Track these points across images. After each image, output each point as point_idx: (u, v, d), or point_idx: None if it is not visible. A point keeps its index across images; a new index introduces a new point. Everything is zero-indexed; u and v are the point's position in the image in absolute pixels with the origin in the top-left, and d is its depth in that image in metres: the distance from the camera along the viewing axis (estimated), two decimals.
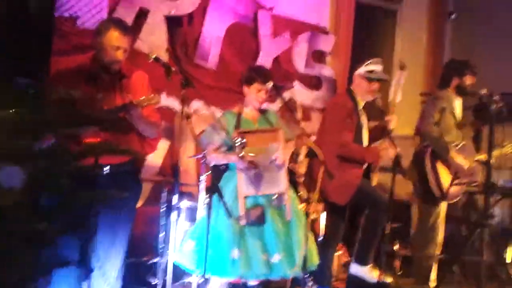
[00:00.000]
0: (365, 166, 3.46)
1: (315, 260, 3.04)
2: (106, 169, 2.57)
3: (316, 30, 5.17)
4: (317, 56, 5.21)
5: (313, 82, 5.15)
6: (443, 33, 6.38)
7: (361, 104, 3.52)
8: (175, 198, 2.92)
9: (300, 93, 4.98)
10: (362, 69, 3.48)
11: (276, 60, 4.87)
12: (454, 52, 6.13)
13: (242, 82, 3.11)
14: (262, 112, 3.19)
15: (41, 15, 2.80)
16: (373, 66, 3.46)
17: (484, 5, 5.95)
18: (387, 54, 6.02)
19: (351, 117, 3.39)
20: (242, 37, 4.61)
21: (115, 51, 2.58)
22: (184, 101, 2.69)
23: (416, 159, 3.84)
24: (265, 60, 4.71)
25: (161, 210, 3.70)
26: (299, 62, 5.02)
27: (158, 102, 2.55)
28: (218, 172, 3.30)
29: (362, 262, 3.39)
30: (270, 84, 3.03)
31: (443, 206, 3.86)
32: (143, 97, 2.51)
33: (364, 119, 3.53)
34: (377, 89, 3.48)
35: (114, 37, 2.57)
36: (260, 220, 2.92)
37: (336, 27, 5.36)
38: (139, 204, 4.11)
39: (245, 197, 2.95)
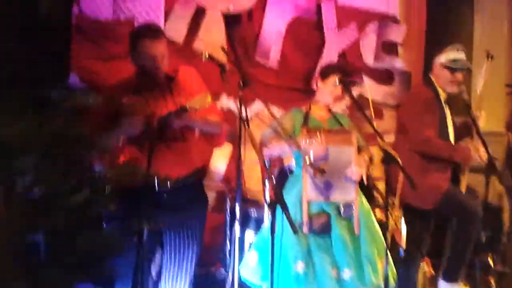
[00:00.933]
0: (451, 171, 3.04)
1: (392, 280, 2.69)
2: (166, 183, 2.38)
3: (385, 19, 4.77)
4: (388, 48, 4.80)
5: (384, 77, 4.75)
6: None
7: (443, 96, 3.11)
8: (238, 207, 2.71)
9: (370, 89, 4.59)
10: (443, 57, 3.07)
11: (342, 54, 4.54)
12: None
13: (315, 78, 2.85)
14: (333, 113, 2.90)
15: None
16: (456, 53, 3.05)
17: None
18: (465, 44, 5.49)
19: (433, 110, 3.00)
20: (305, 31, 4.32)
21: (152, 61, 2.39)
22: (242, 103, 2.43)
23: (509, 156, 3.37)
24: (330, 55, 4.39)
25: (226, 220, 3.50)
26: (368, 55, 4.65)
27: (209, 102, 2.31)
28: (283, 179, 3.05)
29: (451, 279, 2.98)
30: (348, 80, 2.74)
31: None
32: (194, 100, 2.28)
33: (448, 114, 3.12)
34: (461, 80, 3.06)
35: (146, 47, 2.38)
36: (325, 230, 2.63)
37: (407, 15, 4.93)
38: None
39: (309, 202, 2.67)
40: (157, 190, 2.35)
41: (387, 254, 2.52)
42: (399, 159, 2.46)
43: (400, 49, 4.91)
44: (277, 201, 2.12)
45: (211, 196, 3.99)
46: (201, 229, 2.53)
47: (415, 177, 2.89)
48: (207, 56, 2.36)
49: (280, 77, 4.13)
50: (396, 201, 2.73)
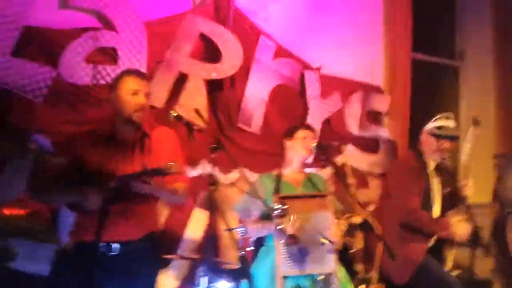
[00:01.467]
0: (431, 241, 2.89)
1: None
2: (115, 248, 2.22)
3: (369, 90, 4.82)
4: (373, 117, 4.81)
5: (369, 145, 4.71)
6: None
7: (430, 165, 3.03)
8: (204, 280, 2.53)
9: (355, 158, 4.55)
10: (430, 125, 3.05)
11: (326, 122, 4.53)
12: None
13: (282, 140, 2.77)
14: (307, 175, 2.79)
15: None
16: (443, 121, 3.02)
17: None
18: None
19: (418, 179, 2.91)
20: (288, 99, 4.33)
21: (136, 96, 2.33)
22: (214, 165, 2.33)
23: (496, 229, 3.23)
24: (314, 122, 4.35)
25: None
26: (353, 124, 4.63)
27: (177, 170, 2.21)
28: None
29: None
30: (313, 135, 2.67)
31: None
32: (157, 168, 2.17)
33: (435, 183, 3.02)
34: (447, 148, 3.00)
35: (131, 82, 2.36)
36: None
37: (392, 86, 4.98)
38: (176, 285, 3.75)
39: (284, 277, 2.48)
40: (105, 254, 2.19)
41: None
42: (376, 229, 2.32)
43: (385, 119, 4.91)
44: (242, 274, 1.95)
45: (186, 265, 3.80)
46: None
47: (394, 246, 2.76)
48: (174, 115, 2.28)
49: (263, 143, 4.06)
50: (375, 274, 2.55)
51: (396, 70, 5.02)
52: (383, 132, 4.79)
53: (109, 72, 3.58)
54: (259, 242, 3.10)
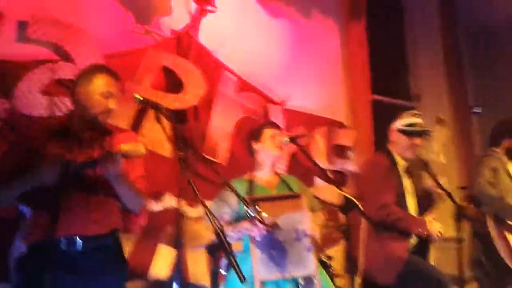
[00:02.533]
0: (412, 239, 2.77)
1: None
2: (77, 243, 2.00)
3: (333, 125, 4.85)
4: (338, 151, 4.81)
5: (336, 179, 4.65)
6: (469, 127, 6.00)
7: (401, 164, 2.96)
8: None
9: (323, 190, 4.46)
10: (398, 123, 2.99)
11: (293, 156, 4.47)
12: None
13: (248, 144, 2.66)
14: (281, 177, 2.68)
15: None
16: (412, 118, 2.98)
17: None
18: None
19: (390, 177, 2.83)
20: None
21: (107, 99, 2.16)
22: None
23: (476, 230, 3.13)
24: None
25: None
26: (320, 157, 4.59)
27: (142, 152, 2.06)
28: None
29: None
30: (280, 133, 2.58)
31: None
32: (125, 146, 2.03)
33: (408, 183, 2.94)
34: (419, 144, 2.95)
35: (102, 83, 2.17)
36: None
37: (355, 122, 5.06)
38: None
39: (263, 282, 2.28)
40: (65, 251, 1.97)
41: None
42: (359, 204, 2.19)
43: (350, 153, 4.90)
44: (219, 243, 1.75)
45: None
46: None
47: (373, 248, 2.64)
48: (140, 98, 2.16)
49: (230, 174, 3.92)
50: (359, 278, 2.36)
51: (357, 108, 5.13)
52: (350, 165, 4.76)
53: (66, 104, 3.47)
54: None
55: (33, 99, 3.37)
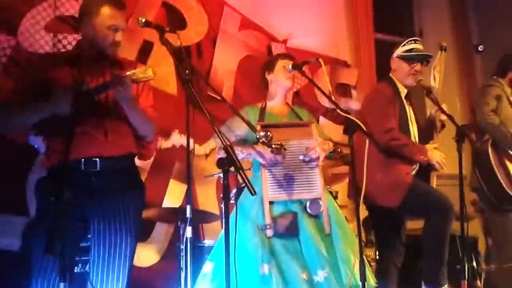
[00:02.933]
0: (416, 166, 2.84)
1: (371, 283, 2.35)
2: (95, 163, 2.07)
3: (337, 63, 4.84)
4: (342, 90, 4.82)
5: (340, 117, 4.67)
6: (473, 64, 5.98)
7: (403, 92, 2.99)
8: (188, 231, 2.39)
9: (327, 129, 4.50)
10: (399, 50, 2.99)
11: (297, 94, 4.50)
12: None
13: (262, 74, 2.69)
14: (291, 107, 2.73)
15: None
16: (413, 44, 2.97)
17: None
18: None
19: (393, 104, 2.86)
20: (257, 70, 4.24)
21: (113, 32, 2.15)
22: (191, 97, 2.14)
23: (478, 159, 3.21)
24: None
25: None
26: (322, 96, 4.60)
27: (153, 76, 2.08)
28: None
29: (435, 283, 2.64)
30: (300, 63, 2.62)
31: None
32: (133, 71, 2.05)
33: (409, 110, 2.98)
34: (420, 70, 2.96)
35: (109, 15, 2.14)
36: (291, 231, 2.32)
37: (357, 61, 5.03)
38: (156, 259, 3.55)
39: (272, 203, 2.36)
40: (83, 171, 2.02)
41: (362, 252, 2.20)
42: (362, 125, 2.24)
43: (354, 92, 4.92)
44: (229, 159, 1.81)
45: (164, 239, 3.63)
46: (137, 219, 2.17)
47: (378, 174, 2.71)
48: (143, 21, 2.16)
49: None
50: (363, 202, 2.43)
51: (360, 47, 5.08)
52: (353, 104, 4.79)
53: (71, 41, 3.47)
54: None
55: (37, 36, 3.38)
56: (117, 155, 2.13)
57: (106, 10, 2.16)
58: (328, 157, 2.59)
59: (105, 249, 2.05)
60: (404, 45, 2.98)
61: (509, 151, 3.23)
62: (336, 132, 4.50)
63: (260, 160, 2.44)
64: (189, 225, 2.44)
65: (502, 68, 3.43)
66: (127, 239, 2.09)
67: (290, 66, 2.63)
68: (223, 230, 2.58)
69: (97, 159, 2.06)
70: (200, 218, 3.35)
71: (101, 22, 2.15)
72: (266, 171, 2.43)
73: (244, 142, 2.58)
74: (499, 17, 5.78)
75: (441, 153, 2.82)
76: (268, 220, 2.34)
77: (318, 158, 2.45)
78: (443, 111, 2.81)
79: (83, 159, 2.05)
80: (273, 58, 2.77)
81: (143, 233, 3.51)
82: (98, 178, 2.07)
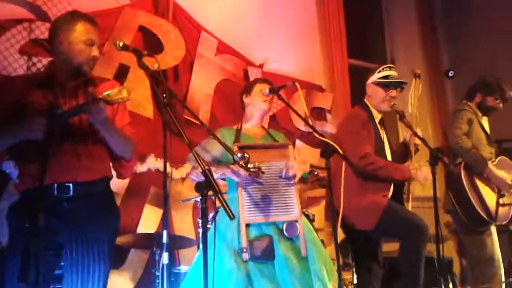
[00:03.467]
0: (391, 188, 2.88)
1: None
2: (68, 188, 2.02)
3: (312, 88, 4.92)
4: (317, 114, 4.89)
5: (316, 141, 4.70)
6: (444, 89, 6.16)
7: (377, 117, 3.05)
8: (165, 257, 2.34)
9: (303, 152, 4.54)
10: (375, 76, 3.07)
11: (273, 118, 4.53)
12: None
13: (240, 97, 2.73)
14: (267, 130, 2.75)
15: None
16: (388, 71, 3.05)
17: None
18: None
19: (367, 129, 2.91)
20: (234, 94, 4.28)
21: (89, 47, 2.14)
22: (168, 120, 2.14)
23: (451, 181, 3.26)
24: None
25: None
26: (298, 120, 4.66)
27: (127, 97, 2.06)
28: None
29: None
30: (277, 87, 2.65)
31: (494, 230, 3.21)
32: (108, 92, 2.03)
33: (383, 135, 3.04)
34: (394, 96, 3.03)
35: (84, 30, 2.13)
36: (267, 255, 2.30)
37: (332, 86, 5.12)
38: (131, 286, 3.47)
39: (248, 225, 2.35)
40: (56, 196, 1.99)
41: (340, 275, 2.20)
42: (339, 149, 2.26)
43: (328, 116, 4.99)
44: (207, 183, 1.80)
45: (139, 264, 3.56)
46: (111, 245, 2.13)
47: (354, 198, 2.73)
48: (121, 45, 2.15)
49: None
50: (338, 222, 2.45)
51: (334, 72, 5.18)
52: (328, 128, 4.85)
53: (45, 64, 3.43)
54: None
55: (11, 59, 3.34)
56: (91, 180, 2.10)
57: (80, 26, 2.15)
58: (304, 178, 2.60)
59: (77, 276, 2.00)
60: (379, 71, 3.06)
61: (482, 174, 3.30)
62: (312, 155, 4.59)
63: (235, 178, 2.44)
64: (166, 251, 2.38)
65: (469, 92, 3.54)
66: (100, 265, 2.04)
67: (267, 90, 2.67)
68: (197, 255, 2.56)
69: (70, 185, 2.03)
70: (177, 243, 3.30)
71: (77, 37, 2.14)
72: (243, 192, 2.43)
73: (218, 163, 2.57)
74: (468, 43, 6.00)
75: (427, 169, 2.83)
76: (244, 243, 2.32)
77: (295, 175, 2.46)
78: (416, 135, 2.88)
79: (56, 185, 2.01)
80: (251, 82, 2.82)
81: (117, 260, 3.44)
82: (71, 203, 2.03)
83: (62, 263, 2.08)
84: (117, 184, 3.52)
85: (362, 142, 2.85)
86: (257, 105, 2.69)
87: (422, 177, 2.76)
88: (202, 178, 1.89)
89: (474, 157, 3.21)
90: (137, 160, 3.68)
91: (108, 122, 2.09)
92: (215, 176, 2.40)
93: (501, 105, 3.51)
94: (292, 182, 2.48)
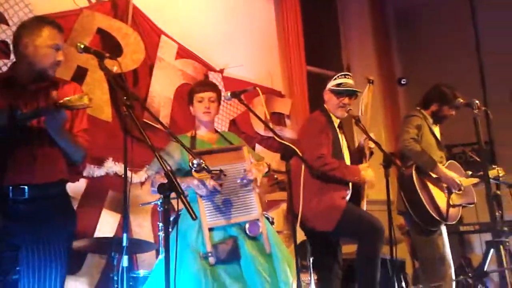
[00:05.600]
0: (349, 191, 2.97)
1: None
2: (24, 190, 1.99)
3: (271, 93, 5.00)
4: (276, 119, 4.97)
5: (275, 145, 4.81)
6: (397, 96, 6.39)
7: (336, 122, 3.15)
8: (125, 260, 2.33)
9: (263, 156, 4.59)
10: (330, 84, 3.17)
11: (233, 123, 4.58)
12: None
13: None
14: (220, 133, 2.78)
15: None
16: (343, 79, 3.16)
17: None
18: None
19: (326, 132, 3.01)
20: None
21: (54, 51, 2.13)
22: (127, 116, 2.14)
23: (403, 183, 3.39)
24: (220, 123, 4.40)
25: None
26: (258, 125, 4.72)
27: (88, 104, 2.05)
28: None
29: None
30: (211, 93, 2.66)
31: (444, 230, 3.35)
32: (69, 98, 2.01)
33: (342, 138, 3.14)
34: (347, 103, 3.14)
35: (50, 35, 2.13)
36: (233, 256, 2.33)
37: (291, 91, 5.22)
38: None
39: (211, 229, 2.37)
40: (12, 198, 1.96)
41: (299, 277, 2.25)
42: (298, 151, 2.32)
43: (287, 121, 5.08)
44: (170, 184, 1.81)
45: (96, 269, 3.50)
46: (66, 246, 2.11)
47: (313, 200, 2.80)
48: (82, 47, 2.15)
49: (170, 138, 3.95)
50: (297, 223, 2.52)
51: (293, 78, 5.28)
52: (287, 133, 4.93)
53: (0, 66, 3.35)
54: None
55: None
56: (47, 182, 2.08)
57: (46, 31, 2.16)
58: (264, 176, 2.65)
59: (34, 279, 1.97)
60: (335, 79, 3.17)
61: (431, 174, 3.44)
62: (272, 160, 4.66)
63: (200, 192, 2.44)
64: (126, 254, 2.37)
65: (424, 100, 3.68)
66: (57, 267, 2.02)
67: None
68: (159, 258, 2.56)
69: (26, 187, 2.00)
70: (136, 247, 3.27)
71: (43, 41, 2.14)
72: (203, 199, 2.45)
73: (178, 172, 2.57)
74: (420, 52, 6.27)
75: (372, 172, 2.96)
76: (209, 248, 2.34)
77: (256, 179, 2.50)
78: (371, 139, 2.99)
79: (11, 187, 1.98)
80: (190, 91, 2.79)
81: (73, 265, 3.37)
82: (27, 205, 2.00)
83: (17, 268, 2.04)
84: (74, 188, 3.48)
85: (320, 144, 2.94)
86: (199, 117, 2.73)
87: (370, 176, 2.87)
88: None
89: (423, 158, 3.34)
90: (94, 164, 3.63)
91: (61, 129, 2.08)
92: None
93: (453, 113, 3.67)
94: (251, 185, 2.52)
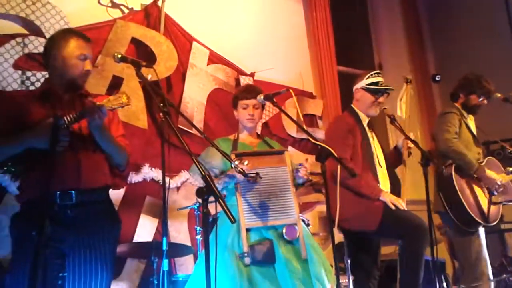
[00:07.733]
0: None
1: None
2: (71, 195, 2.06)
3: (303, 95, 4.99)
4: (309, 120, 4.96)
5: (308, 147, 4.80)
6: (431, 93, 6.27)
7: (365, 120, 3.11)
8: (165, 264, 2.37)
9: (295, 158, 4.59)
10: (364, 82, 3.13)
11: (266, 126, 4.59)
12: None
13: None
14: (262, 139, 2.81)
15: None
16: (376, 77, 3.12)
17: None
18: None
19: (353, 134, 2.98)
20: (226, 102, 4.34)
21: (82, 62, 2.21)
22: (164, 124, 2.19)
23: (441, 183, 3.32)
24: None
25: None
26: (290, 127, 4.73)
27: (127, 102, 2.12)
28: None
29: None
30: (256, 100, 2.69)
31: (482, 231, 3.28)
32: (107, 98, 2.09)
33: (373, 137, 3.10)
34: (383, 102, 3.11)
35: (76, 46, 2.21)
36: (268, 259, 2.34)
37: (322, 92, 5.20)
38: None
39: (248, 230, 2.40)
40: (59, 204, 2.03)
41: (338, 279, 2.25)
42: (334, 152, 2.32)
43: (320, 122, 5.06)
44: (208, 188, 1.84)
45: (136, 274, 3.57)
46: (112, 253, 2.17)
47: (351, 200, 2.77)
48: (119, 56, 2.21)
49: (205, 144, 4.00)
50: (335, 224, 2.49)
51: (324, 79, 5.25)
52: (320, 134, 4.91)
53: (39, 78, 3.47)
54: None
55: (5, 73, 3.37)
56: (93, 187, 2.14)
57: (73, 42, 2.24)
58: (302, 183, 2.65)
59: (80, 285, 2.03)
60: (368, 77, 3.12)
61: (473, 175, 3.36)
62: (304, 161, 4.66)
63: (234, 180, 2.47)
64: (166, 258, 2.42)
65: (453, 93, 3.61)
66: (103, 274, 2.08)
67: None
68: (198, 261, 2.60)
69: (73, 192, 2.07)
70: (174, 251, 3.33)
71: (70, 52, 2.22)
72: (242, 199, 2.48)
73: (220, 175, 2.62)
74: (454, 47, 6.13)
75: (398, 199, 2.88)
76: (245, 248, 2.36)
77: (307, 177, 2.51)
78: (408, 138, 2.95)
79: (58, 192, 2.05)
80: (235, 97, 2.84)
81: (113, 270, 3.46)
82: (74, 210, 2.07)
83: (62, 273, 2.11)
84: (113, 195, 3.52)
85: (343, 147, 2.90)
86: (243, 123, 2.76)
87: (388, 200, 2.82)
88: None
89: (465, 159, 3.28)
90: (132, 170, 3.72)
91: (105, 129, 2.15)
92: (219, 187, 2.47)
93: (485, 101, 3.56)
94: (289, 188, 2.53)
